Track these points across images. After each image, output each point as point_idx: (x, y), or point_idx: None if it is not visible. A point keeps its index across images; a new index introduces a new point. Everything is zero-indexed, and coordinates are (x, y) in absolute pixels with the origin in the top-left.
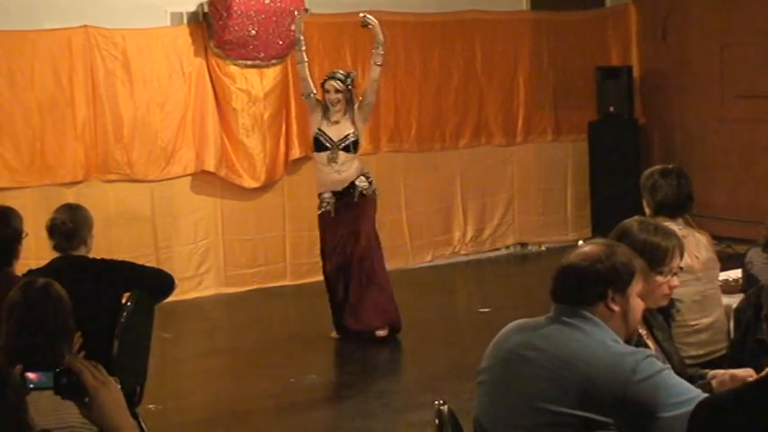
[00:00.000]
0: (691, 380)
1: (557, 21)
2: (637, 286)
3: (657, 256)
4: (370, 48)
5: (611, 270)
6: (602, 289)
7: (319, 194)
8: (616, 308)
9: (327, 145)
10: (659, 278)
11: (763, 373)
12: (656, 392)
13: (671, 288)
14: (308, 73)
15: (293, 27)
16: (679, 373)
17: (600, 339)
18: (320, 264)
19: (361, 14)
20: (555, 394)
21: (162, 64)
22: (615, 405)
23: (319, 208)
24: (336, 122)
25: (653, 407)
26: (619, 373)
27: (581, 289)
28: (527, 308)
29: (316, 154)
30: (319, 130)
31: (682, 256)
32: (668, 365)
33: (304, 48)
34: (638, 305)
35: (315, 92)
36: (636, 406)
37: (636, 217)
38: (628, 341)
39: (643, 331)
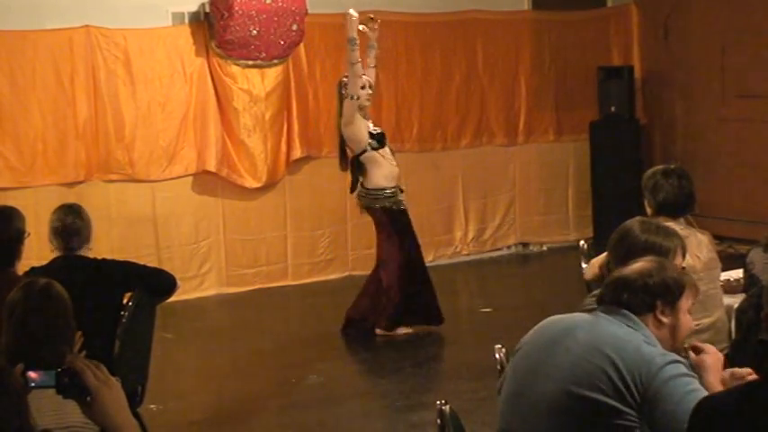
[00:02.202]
0: None
1: (558, 20)
2: (687, 302)
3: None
4: None
5: (661, 284)
6: (651, 300)
7: (386, 188)
8: (665, 320)
9: (384, 140)
10: None
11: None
12: (679, 393)
13: None
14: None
15: (294, 27)
16: None
17: (637, 336)
18: (321, 264)
19: (370, 15)
20: (580, 378)
21: (163, 64)
22: (637, 397)
23: (384, 203)
24: (369, 119)
25: (674, 407)
26: (645, 368)
27: (630, 296)
28: (529, 308)
29: (381, 151)
30: (370, 127)
31: (684, 256)
32: (695, 374)
33: (356, 46)
34: (687, 321)
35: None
36: (657, 402)
37: (637, 217)
38: None
39: None
